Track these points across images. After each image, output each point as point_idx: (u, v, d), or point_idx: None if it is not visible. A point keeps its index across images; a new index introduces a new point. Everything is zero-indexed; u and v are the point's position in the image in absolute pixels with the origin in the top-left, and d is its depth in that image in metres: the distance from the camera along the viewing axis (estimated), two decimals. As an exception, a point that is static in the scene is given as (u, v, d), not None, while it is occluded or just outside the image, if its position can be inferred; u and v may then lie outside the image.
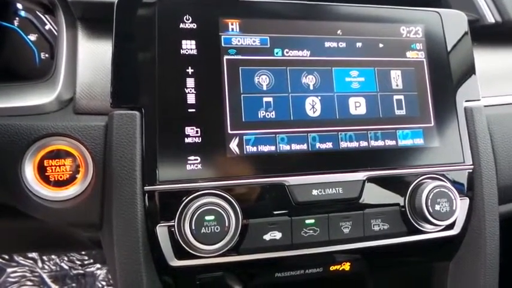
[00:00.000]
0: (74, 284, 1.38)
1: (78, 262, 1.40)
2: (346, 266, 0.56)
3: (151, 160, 0.46)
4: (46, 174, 0.48)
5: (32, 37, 0.62)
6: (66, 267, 1.39)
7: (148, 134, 0.47)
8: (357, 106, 0.53)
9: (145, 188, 0.46)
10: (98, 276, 1.39)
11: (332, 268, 0.56)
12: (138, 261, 0.46)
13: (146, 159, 0.46)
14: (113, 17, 0.48)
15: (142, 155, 0.47)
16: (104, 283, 1.37)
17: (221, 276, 0.51)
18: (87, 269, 1.39)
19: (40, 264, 1.37)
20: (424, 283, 0.65)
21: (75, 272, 1.39)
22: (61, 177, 0.48)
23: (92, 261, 1.40)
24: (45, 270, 1.38)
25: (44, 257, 1.37)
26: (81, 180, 0.48)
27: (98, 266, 1.39)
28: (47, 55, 0.63)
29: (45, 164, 0.48)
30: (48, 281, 1.37)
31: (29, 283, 1.36)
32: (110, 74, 0.48)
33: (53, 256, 1.37)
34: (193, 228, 0.44)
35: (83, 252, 1.38)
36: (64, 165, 0.48)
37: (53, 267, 1.38)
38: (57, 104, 0.50)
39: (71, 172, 0.48)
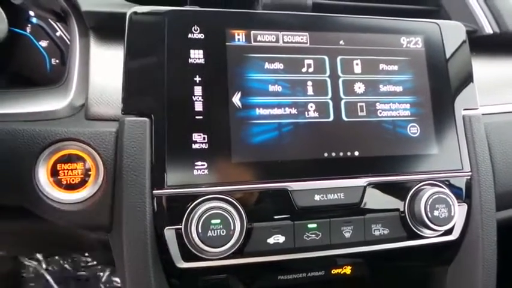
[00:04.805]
0: (77, 286, 1.40)
1: (82, 264, 1.41)
2: (347, 270, 0.58)
3: (160, 165, 0.48)
4: (58, 177, 0.49)
5: (43, 43, 0.64)
6: (70, 269, 1.40)
7: (157, 140, 0.48)
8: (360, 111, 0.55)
9: (154, 192, 0.48)
10: (101, 279, 1.40)
11: (333, 271, 0.57)
12: (146, 262, 0.48)
13: (155, 164, 0.48)
14: (125, 27, 0.50)
15: (152, 160, 0.48)
16: (107, 285, 1.38)
17: (226, 278, 0.53)
18: (91, 271, 1.40)
19: (44, 266, 1.39)
20: (424, 287, 0.67)
21: (78, 274, 1.40)
22: (73, 180, 0.50)
23: (95, 263, 1.41)
24: (49, 272, 1.39)
25: (48, 258, 1.38)
26: (92, 184, 0.50)
27: (101, 268, 1.41)
28: (57, 61, 0.65)
29: (58, 168, 0.49)
30: (52, 282, 1.38)
31: (32, 284, 1.37)
32: (121, 82, 0.50)
33: (56, 257, 1.38)
34: (199, 231, 0.46)
35: (86, 254, 1.39)
36: (76, 169, 0.50)
37: (57, 269, 1.39)
38: (70, 109, 0.52)
39: (82, 176, 0.50)
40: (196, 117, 0.49)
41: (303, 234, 0.50)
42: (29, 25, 0.64)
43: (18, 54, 0.63)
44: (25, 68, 0.64)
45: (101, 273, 1.41)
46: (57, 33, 0.64)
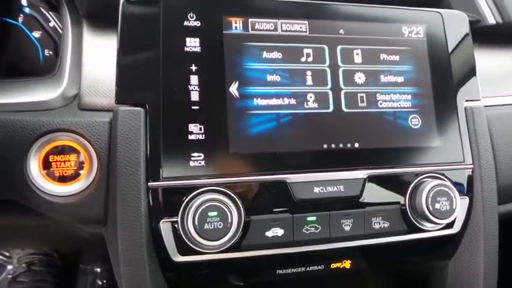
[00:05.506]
0: (74, 281, 1.38)
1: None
2: (347, 264, 0.57)
3: (155, 156, 0.47)
4: (51, 169, 0.48)
5: (36, 34, 0.62)
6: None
7: (152, 130, 0.47)
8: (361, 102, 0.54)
9: (149, 184, 0.46)
10: (98, 274, 1.39)
11: (333, 266, 0.56)
12: (142, 256, 0.46)
13: (150, 155, 0.47)
14: (118, 14, 0.49)
15: (147, 151, 0.47)
16: (104, 281, 1.37)
17: (223, 272, 0.52)
18: (87, 266, 1.39)
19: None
20: (424, 281, 0.66)
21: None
22: (66, 172, 0.48)
23: (92, 258, 1.40)
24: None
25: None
26: (86, 176, 0.49)
27: (98, 263, 1.39)
28: (50, 52, 0.63)
29: (50, 160, 0.48)
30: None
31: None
32: (115, 71, 0.48)
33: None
34: (196, 224, 0.44)
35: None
36: (69, 160, 0.48)
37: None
38: (62, 100, 0.51)
39: (75, 168, 0.49)
40: (193, 107, 0.48)
41: (302, 227, 0.49)
42: (21, 15, 0.63)
43: (10, 45, 0.62)
44: (17, 59, 0.63)
45: (98, 269, 1.40)
46: (50, 24, 0.63)
